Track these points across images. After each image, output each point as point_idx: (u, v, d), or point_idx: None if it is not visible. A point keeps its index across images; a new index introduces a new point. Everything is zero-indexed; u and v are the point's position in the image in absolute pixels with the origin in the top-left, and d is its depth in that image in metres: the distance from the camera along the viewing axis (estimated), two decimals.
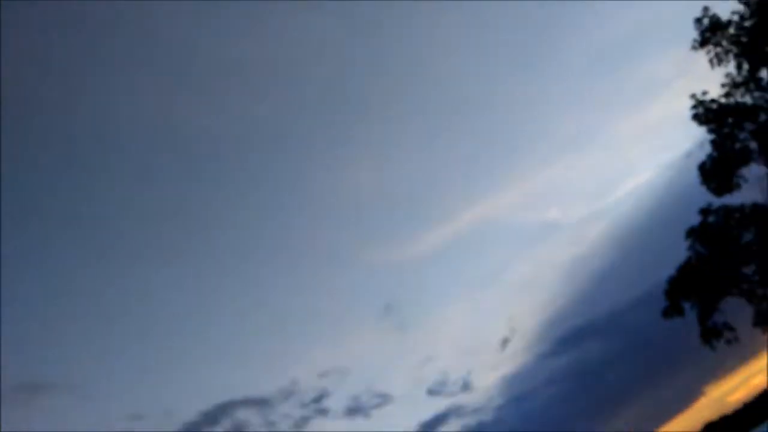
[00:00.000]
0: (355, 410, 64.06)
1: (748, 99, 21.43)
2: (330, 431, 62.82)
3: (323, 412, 63.11)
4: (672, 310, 22.44)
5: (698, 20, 21.89)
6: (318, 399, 62.93)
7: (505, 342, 64.26)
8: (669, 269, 22.71)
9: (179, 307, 67.82)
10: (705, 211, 22.08)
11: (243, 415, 63.26)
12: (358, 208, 76.36)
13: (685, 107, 22.22)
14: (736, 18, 21.41)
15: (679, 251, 22.57)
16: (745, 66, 21.29)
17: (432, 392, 64.69)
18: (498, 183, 76.78)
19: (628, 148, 68.93)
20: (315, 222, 76.84)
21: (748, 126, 21.34)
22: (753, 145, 21.36)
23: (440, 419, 63.44)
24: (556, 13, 69.61)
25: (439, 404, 74.69)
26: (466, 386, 63.37)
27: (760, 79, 21.34)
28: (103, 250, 65.91)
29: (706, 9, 21.86)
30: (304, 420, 61.10)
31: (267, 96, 70.59)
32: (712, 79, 22.01)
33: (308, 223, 76.39)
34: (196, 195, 70.08)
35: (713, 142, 21.78)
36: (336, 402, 68.25)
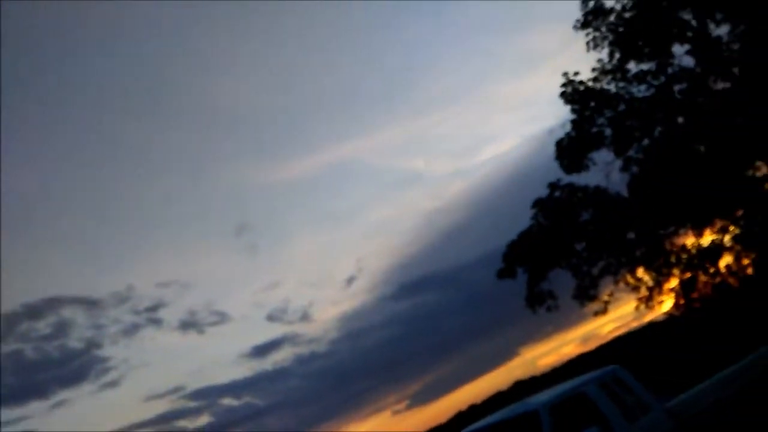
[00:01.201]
0: (189, 325, 63.43)
1: (612, 87, 22.52)
2: (160, 342, 61.72)
3: (156, 322, 61.96)
4: (506, 272, 23.59)
5: (584, 1, 22.58)
6: (153, 308, 61.68)
7: (350, 280, 65.90)
8: (513, 235, 23.82)
9: (14, 185, 62.99)
10: (553, 186, 23.23)
11: (69, 313, 60.74)
12: (227, 124, 73.98)
13: (558, 84, 23.08)
14: (618, 7, 22.28)
15: (525, 219, 23.69)
16: (617, 55, 22.27)
17: (271, 318, 65.42)
18: (372, 123, 77.19)
19: (499, 113, 71.42)
20: (177, 129, 73.65)
21: (608, 113, 22.49)
22: (608, 131, 22.57)
23: (275, 345, 64.41)
24: None
25: (276, 330, 75.68)
26: (305, 317, 64.61)
27: (628, 70, 22.44)
28: None
29: None
30: (135, 327, 59.75)
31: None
32: (587, 61, 22.92)
33: (171, 129, 73.12)
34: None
35: (573, 122, 22.79)
36: (171, 314, 67.07)
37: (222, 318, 65.68)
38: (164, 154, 78.37)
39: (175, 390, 64.55)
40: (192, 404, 61.98)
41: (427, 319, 63.39)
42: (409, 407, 60.51)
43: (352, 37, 74.27)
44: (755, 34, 20.82)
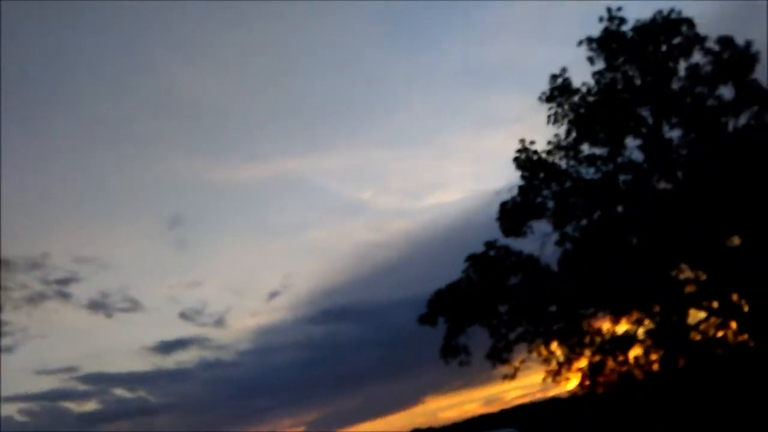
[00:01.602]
0: (99, 306, 61.38)
1: (563, 163, 23.26)
2: (64, 317, 59.42)
3: (65, 296, 59.71)
4: (428, 319, 23.82)
5: (553, 77, 23.38)
6: (64, 281, 59.49)
7: (274, 294, 65.21)
8: (442, 284, 24.12)
9: None
10: (489, 245, 23.70)
11: None
12: (185, 115, 72.95)
13: (514, 149, 23.74)
14: (584, 89, 23.15)
15: (457, 271, 24.04)
16: (573, 134, 23.08)
17: (184, 316, 63.88)
18: (327, 145, 77.41)
19: (453, 164, 72.65)
20: (133, 108, 72.22)
21: (554, 187, 23.19)
22: (551, 204, 23.24)
23: (182, 344, 62.74)
24: (446, 15, 71.18)
25: (186, 330, 73.86)
26: (220, 322, 63.33)
27: (581, 151, 23.24)
28: None
29: (563, 70, 23.43)
30: (41, 297, 57.41)
31: None
32: (545, 133, 23.66)
33: (127, 107, 71.61)
34: None
35: (520, 189, 23.42)
36: (82, 291, 64.70)
37: (134, 306, 63.71)
38: (115, 132, 76.62)
39: (69, 369, 62.08)
40: (82, 387, 59.73)
41: (340, 349, 63.07)
42: None
43: (328, 56, 74.83)
44: (703, 144, 21.94)
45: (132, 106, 72.00)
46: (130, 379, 60.79)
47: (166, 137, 73.91)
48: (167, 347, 62.85)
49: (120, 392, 60.00)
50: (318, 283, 70.69)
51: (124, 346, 68.90)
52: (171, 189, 75.29)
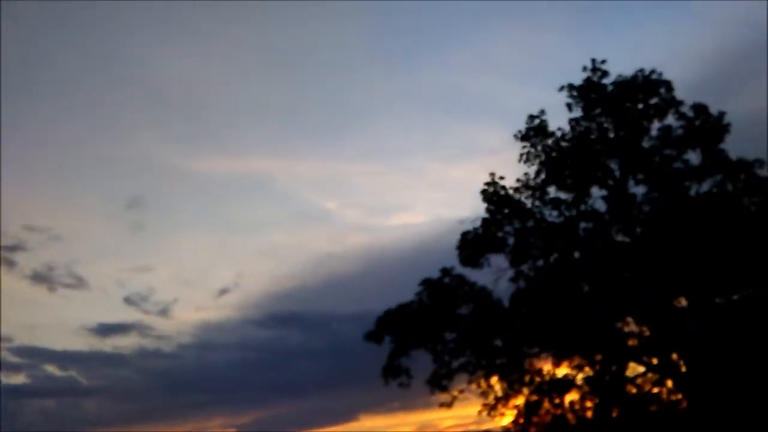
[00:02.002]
0: (42, 278, 59.70)
1: (529, 202, 23.65)
2: (5, 284, 57.80)
3: (9, 263, 58.01)
4: (374, 336, 23.86)
5: (531, 117, 23.83)
6: (11, 248, 57.77)
7: (223, 291, 64.15)
8: (394, 303, 24.18)
9: None
10: (445, 271, 23.89)
11: None
12: (160, 96, 72.02)
13: (483, 181, 24.06)
14: (558, 134, 23.63)
15: (410, 293, 24.17)
16: (542, 176, 23.50)
17: (129, 301, 62.20)
18: (299, 149, 76.84)
19: (421, 188, 72.72)
20: (107, 83, 71.24)
21: (516, 224, 23.53)
22: (511, 240, 23.56)
23: (122, 329, 61.21)
24: (434, 41, 72.08)
25: (129, 315, 72.14)
26: (164, 312, 61.89)
27: (547, 193, 23.64)
28: None
29: (541, 111, 23.90)
30: None
31: None
32: (516, 170, 24.04)
33: (102, 83, 70.59)
34: None
35: (484, 221, 23.71)
36: (28, 261, 62.85)
37: (79, 283, 61.91)
38: (85, 105, 75.00)
39: (2, 339, 60.18)
40: (13, 359, 57.74)
41: (282, 356, 62.24)
42: None
43: (314, 65, 74.65)
44: (665, 204, 22.51)
45: (105, 81, 70.61)
46: (63, 358, 59.02)
47: (137, 117, 72.55)
48: (107, 330, 61.18)
49: (51, 369, 58.23)
50: (270, 286, 69.88)
51: (62, 323, 66.85)
52: (135, 170, 73.64)
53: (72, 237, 64.72)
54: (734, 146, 22.56)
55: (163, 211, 74.14)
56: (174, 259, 73.24)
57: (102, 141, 71.96)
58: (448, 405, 23.88)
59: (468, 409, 25.28)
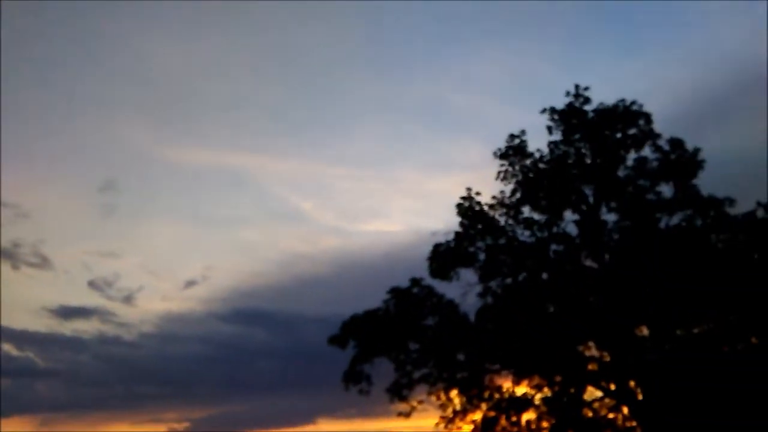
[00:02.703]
0: (7, 255, 58.59)
1: (502, 220, 23.89)
2: None
3: None
4: (338, 340, 23.87)
5: (511, 136, 24.14)
6: None
7: (190, 283, 63.55)
8: (361, 309, 24.25)
9: None
10: (414, 281, 24.02)
11: None
12: (146, 81, 71.44)
13: (459, 195, 24.28)
14: (537, 155, 23.93)
15: (378, 300, 24.27)
16: (518, 195, 23.78)
17: (93, 285, 61.39)
18: (279, 147, 76.72)
19: (399, 197, 72.87)
20: (91, 66, 70.52)
21: (488, 240, 23.74)
22: (482, 256, 23.75)
23: (84, 313, 60.39)
24: (422, 53, 72.56)
25: (92, 299, 71.23)
26: (129, 299, 61.15)
27: (521, 212, 23.91)
28: None
29: (522, 132, 24.22)
30: None
31: None
32: (493, 187, 24.30)
33: (88, 62, 69.79)
34: None
35: (457, 235, 23.89)
36: None
37: (44, 263, 60.85)
38: (65, 83, 74.00)
39: None
40: None
41: (244, 353, 61.78)
42: (187, 431, 57.97)
43: (301, 64, 74.57)
44: (635, 233, 22.88)
45: (88, 61, 69.68)
46: (21, 337, 57.98)
47: (118, 100, 71.73)
48: (68, 313, 60.23)
49: (7, 348, 57.14)
50: (238, 281, 69.37)
51: (23, 302, 65.73)
52: (112, 153, 72.75)
53: (40, 215, 63.75)
54: (706, 183, 23.09)
55: (137, 197, 73.27)
56: (143, 246, 72.37)
57: (81, 122, 71.18)
58: (407, 415, 23.93)
59: (426, 420, 25.34)
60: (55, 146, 70.23)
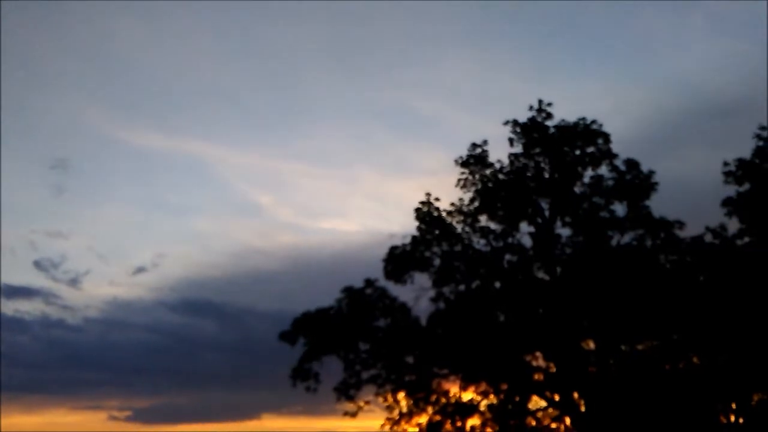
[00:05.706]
0: None
1: (459, 227, 24.20)
2: None
3: None
4: (288, 337, 23.83)
5: (473, 145, 24.47)
6: None
7: (140, 270, 62.32)
8: (313, 306, 24.31)
9: None
10: (368, 282, 24.14)
11: None
12: (108, 61, 70.03)
13: (418, 200, 24.52)
14: (498, 166, 24.30)
15: (330, 298, 24.36)
16: (476, 204, 24.11)
17: (39, 265, 59.92)
18: (241, 139, 76.14)
19: (358, 197, 72.96)
20: (53, 42, 68.90)
21: (444, 246, 24.03)
22: (437, 262, 24.02)
23: (27, 293, 58.89)
24: (389, 57, 72.84)
25: (37, 280, 69.64)
26: (75, 282, 59.75)
27: (478, 221, 24.25)
28: None
29: (484, 142, 24.58)
30: None
31: None
32: (452, 194, 24.58)
33: (52, 39, 68.18)
34: None
35: (413, 239, 24.12)
36: None
37: None
38: (23, 58, 72.07)
39: None
40: None
41: (191, 345, 61.00)
42: (128, 419, 56.90)
43: (268, 58, 74.00)
44: (586, 249, 23.42)
45: (45, 38, 67.89)
46: None
47: (75, 79, 70.14)
48: (11, 292, 58.54)
49: None
50: (189, 272, 68.42)
51: None
52: (66, 132, 70.92)
53: None
54: (658, 204, 23.74)
55: (89, 178, 71.87)
56: (92, 228, 70.92)
57: (35, 99, 69.49)
58: (353, 415, 24.00)
59: (372, 421, 25.44)
60: (6, 122, 68.27)
